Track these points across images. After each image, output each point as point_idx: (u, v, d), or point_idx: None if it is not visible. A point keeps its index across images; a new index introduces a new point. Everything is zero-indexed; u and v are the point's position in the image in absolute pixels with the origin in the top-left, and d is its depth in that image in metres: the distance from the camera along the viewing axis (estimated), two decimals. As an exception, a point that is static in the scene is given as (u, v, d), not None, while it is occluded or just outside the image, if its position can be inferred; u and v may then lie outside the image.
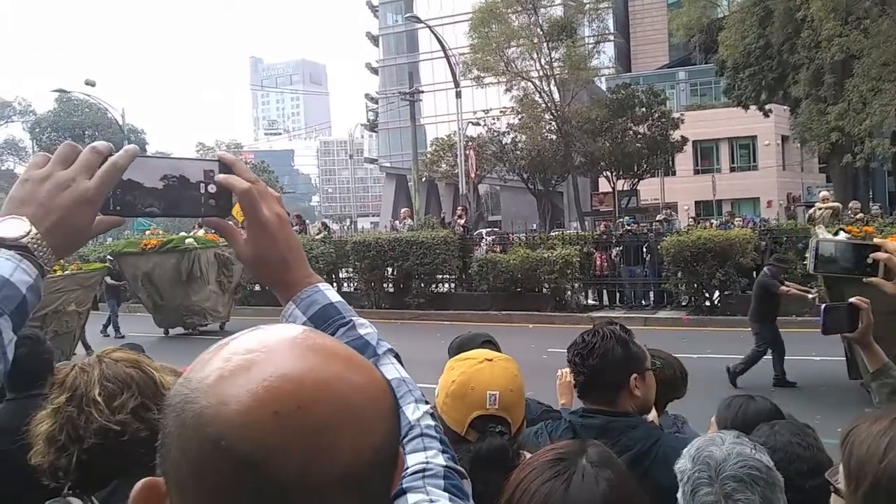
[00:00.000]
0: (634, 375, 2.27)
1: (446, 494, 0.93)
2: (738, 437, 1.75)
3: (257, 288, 17.81)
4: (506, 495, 1.43)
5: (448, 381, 1.96)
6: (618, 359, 2.26)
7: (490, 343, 2.97)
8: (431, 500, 0.91)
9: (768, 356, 9.50)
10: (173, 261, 14.96)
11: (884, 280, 1.91)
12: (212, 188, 1.04)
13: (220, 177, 1.03)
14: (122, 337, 14.59)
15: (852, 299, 2.31)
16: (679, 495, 1.72)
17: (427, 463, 0.95)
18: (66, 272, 10.96)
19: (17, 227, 0.91)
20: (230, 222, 1.08)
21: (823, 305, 2.38)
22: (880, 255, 1.90)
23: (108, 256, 15.80)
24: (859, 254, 1.98)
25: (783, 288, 9.93)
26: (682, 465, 1.73)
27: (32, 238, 0.91)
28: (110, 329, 15.36)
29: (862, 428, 1.35)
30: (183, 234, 16.20)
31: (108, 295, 15.50)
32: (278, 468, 0.57)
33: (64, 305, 10.46)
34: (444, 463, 0.97)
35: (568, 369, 2.67)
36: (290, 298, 1.06)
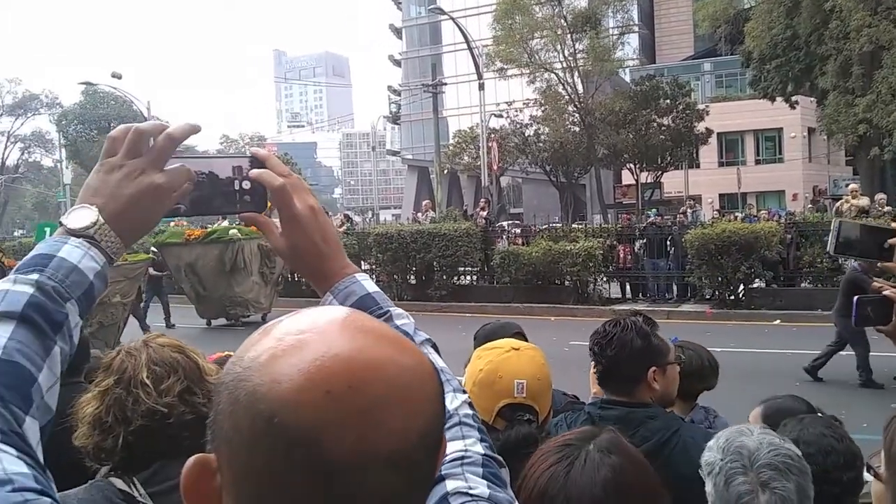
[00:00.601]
0: (653, 369, 2.25)
1: (485, 482, 0.93)
2: (765, 428, 1.75)
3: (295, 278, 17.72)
4: (518, 481, 1.43)
5: (475, 370, 1.97)
6: (636, 351, 2.24)
7: (520, 335, 2.97)
8: (470, 487, 0.91)
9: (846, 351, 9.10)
10: (217, 251, 14.89)
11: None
12: (245, 184, 1.05)
13: (254, 172, 1.04)
14: (147, 329, 14.67)
15: (886, 292, 2.28)
16: (709, 488, 1.70)
17: (466, 451, 0.96)
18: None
19: (86, 216, 0.95)
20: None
21: (856, 298, 2.35)
22: None
23: (152, 247, 15.65)
24: (878, 238, 1.94)
25: (875, 284, 9.68)
26: (711, 457, 1.72)
27: (100, 227, 0.95)
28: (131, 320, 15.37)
29: None
30: (225, 224, 16.14)
31: (147, 286, 15.47)
32: (329, 446, 0.58)
33: (109, 297, 10.36)
34: (483, 451, 0.98)
35: None
36: (329, 289, 1.07)
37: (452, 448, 0.96)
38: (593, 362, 2.34)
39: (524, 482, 1.43)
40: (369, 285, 1.09)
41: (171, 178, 0.99)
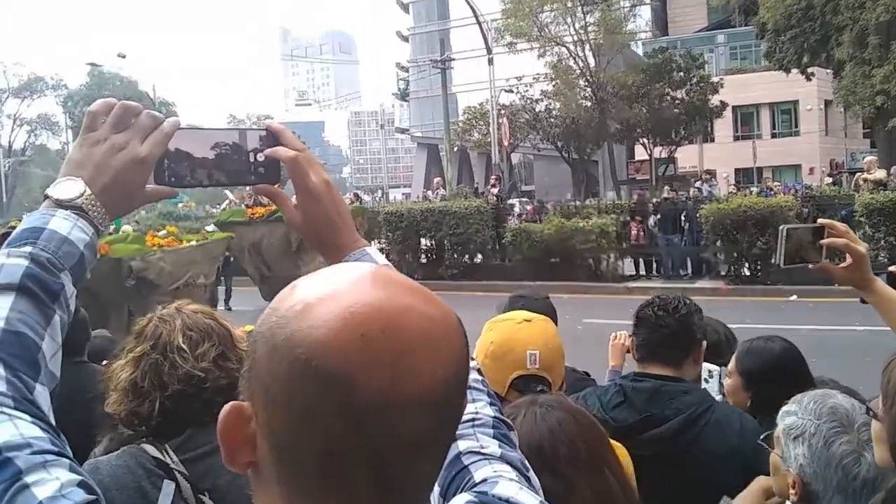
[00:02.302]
0: (704, 343, 2.28)
1: (496, 441, 0.97)
2: (844, 393, 1.76)
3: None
4: None
5: (487, 342, 1.95)
6: (696, 322, 2.28)
7: (548, 305, 2.98)
8: (482, 447, 0.95)
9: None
10: (282, 230, 13.68)
11: (831, 265, 1.83)
12: (260, 157, 1.08)
13: (268, 151, 1.07)
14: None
15: (892, 267, 2.22)
16: (803, 451, 1.65)
17: (476, 413, 1.00)
18: (194, 242, 10.62)
19: (73, 187, 0.97)
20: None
21: (782, 227, 2.31)
22: (837, 241, 1.80)
23: (211, 226, 14.76)
24: (817, 238, 1.84)
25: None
26: (797, 420, 1.68)
27: (87, 198, 0.97)
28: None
29: None
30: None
31: None
32: (363, 387, 0.62)
33: (194, 278, 10.18)
34: (493, 414, 1.02)
35: (624, 332, 2.67)
36: (340, 261, 1.09)
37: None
38: (640, 332, 2.32)
39: None
40: (379, 258, 1.12)
41: (154, 143, 1.01)
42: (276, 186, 1.11)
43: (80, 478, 0.77)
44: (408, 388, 0.63)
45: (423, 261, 17.71)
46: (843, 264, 1.80)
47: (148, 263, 9.49)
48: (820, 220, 1.88)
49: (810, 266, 1.84)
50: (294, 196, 1.11)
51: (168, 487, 1.65)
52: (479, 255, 17.73)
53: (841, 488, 1.60)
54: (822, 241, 1.81)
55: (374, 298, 0.65)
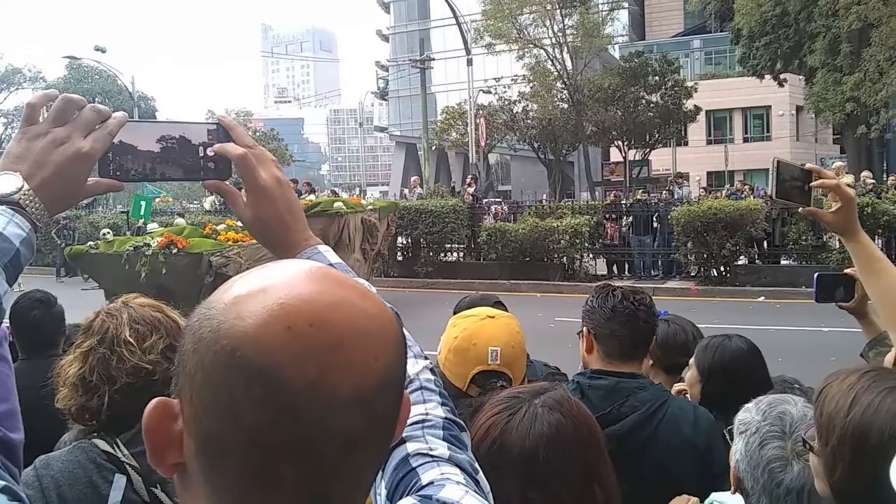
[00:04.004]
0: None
1: (445, 443, 0.95)
2: (807, 402, 1.72)
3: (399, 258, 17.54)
4: (471, 424, 1.45)
5: (451, 338, 1.96)
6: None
7: (500, 305, 2.94)
8: (430, 448, 0.93)
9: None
10: (320, 226, 12.82)
11: (819, 210, 1.81)
12: (211, 151, 1.05)
13: (216, 146, 1.05)
14: None
15: (847, 270, 2.28)
16: (738, 446, 1.69)
17: (426, 414, 0.98)
18: None
19: (9, 182, 0.93)
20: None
21: (816, 274, 2.34)
22: (828, 182, 1.77)
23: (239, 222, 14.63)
24: (805, 180, 1.81)
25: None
26: (748, 417, 1.70)
27: (24, 193, 0.93)
28: None
29: (833, 385, 1.35)
30: (328, 195, 15.10)
31: None
32: (289, 380, 0.60)
33: None
34: (444, 415, 1.00)
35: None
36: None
37: (414, 412, 0.98)
38: (611, 327, 2.22)
39: (474, 424, 1.45)
40: (331, 256, 1.10)
41: (97, 139, 0.98)
42: (225, 182, 1.08)
43: (2, 483, 0.75)
44: (337, 382, 0.61)
45: (399, 258, 17.72)
46: (831, 209, 1.76)
47: (228, 259, 9.23)
48: (808, 165, 1.84)
49: (800, 209, 1.81)
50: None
51: (119, 481, 1.65)
52: (455, 254, 17.79)
53: (766, 491, 1.61)
54: (813, 184, 1.78)
55: (305, 292, 0.64)
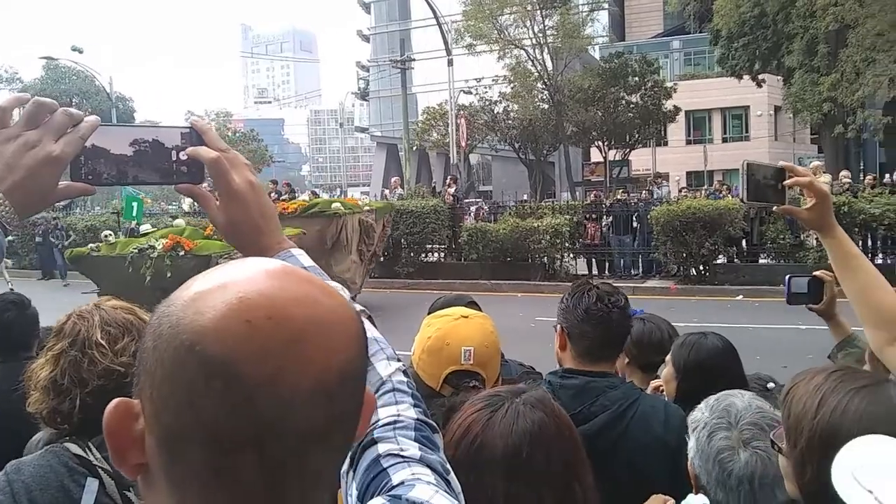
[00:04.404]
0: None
1: (416, 444, 0.96)
2: (756, 396, 1.76)
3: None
4: (450, 423, 1.47)
5: (424, 337, 1.96)
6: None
7: (474, 304, 2.94)
8: (402, 449, 0.94)
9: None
10: (318, 227, 12.70)
11: (794, 207, 1.80)
12: (183, 155, 1.05)
13: (189, 150, 1.05)
14: None
15: (816, 272, 2.31)
16: (692, 444, 1.71)
17: (398, 415, 0.99)
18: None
19: None
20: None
21: (788, 277, 2.36)
22: (801, 180, 1.75)
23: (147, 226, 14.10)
24: (780, 180, 1.79)
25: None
26: (698, 415, 1.73)
27: None
28: None
29: (800, 386, 1.35)
30: (308, 196, 14.87)
31: None
32: (247, 374, 0.60)
33: None
34: (416, 416, 1.00)
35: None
36: None
37: (386, 413, 0.99)
38: (584, 329, 2.22)
39: (452, 423, 1.46)
40: (305, 259, 1.11)
41: (68, 142, 0.97)
42: (198, 186, 1.08)
43: None
44: (296, 377, 0.61)
45: (380, 259, 17.68)
46: (806, 206, 1.76)
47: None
48: (781, 163, 1.83)
49: (774, 209, 1.80)
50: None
51: (91, 485, 1.63)
52: (436, 254, 17.77)
53: (720, 482, 1.63)
54: (787, 182, 1.77)
55: (265, 287, 0.64)
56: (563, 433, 1.47)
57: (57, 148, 0.95)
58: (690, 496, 1.76)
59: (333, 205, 13.10)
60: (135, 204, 16.19)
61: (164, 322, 0.63)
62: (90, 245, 10.54)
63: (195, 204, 14.88)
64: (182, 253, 9.07)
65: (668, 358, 2.58)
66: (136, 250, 9.25)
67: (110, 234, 14.40)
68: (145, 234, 11.02)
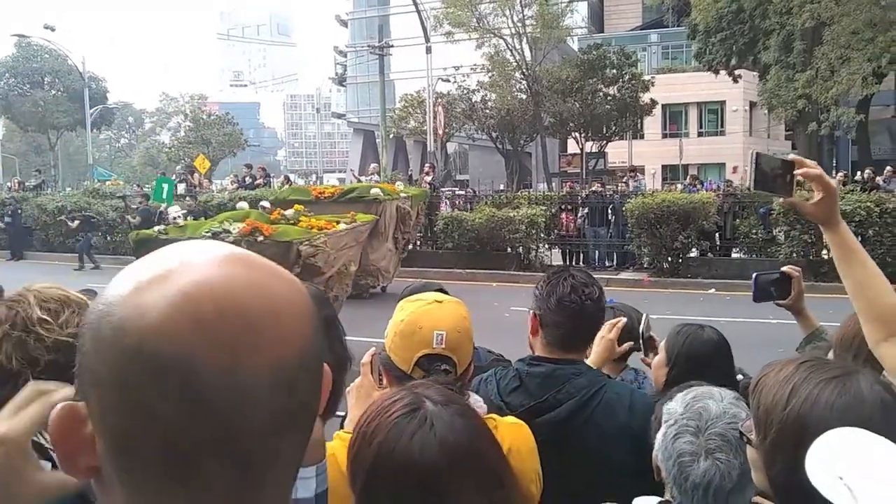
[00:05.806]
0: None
1: None
2: (738, 399, 1.72)
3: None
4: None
5: (397, 321, 1.94)
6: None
7: (443, 293, 2.92)
8: None
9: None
10: (356, 212, 11.99)
11: (800, 200, 1.79)
12: None
13: None
14: None
15: (784, 268, 2.33)
16: (659, 435, 1.71)
17: None
18: (346, 225, 9.50)
19: None
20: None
21: (754, 275, 2.39)
22: (811, 172, 1.74)
23: (263, 204, 12.77)
24: (788, 172, 1.79)
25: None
26: (673, 407, 1.71)
27: None
28: None
29: (769, 376, 1.34)
30: (282, 181, 14.20)
31: None
32: (201, 370, 0.57)
33: (346, 265, 9.15)
34: None
35: (623, 320, 2.64)
36: None
37: None
38: (556, 318, 2.19)
39: (358, 426, 1.34)
40: None
41: (16, 427, 0.82)
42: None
43: None
44: (252, 367, 0.59)
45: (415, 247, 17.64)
46: (813, 199, 1.74)
47: (318, 248, 8.49)
48: (791, 156, 1.83)
49: (780, 200, 1.82)
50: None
51: (45, 468, 1.58)
52: (411, 242, 17.76)
53: (677, 483, 1.63)
54: (797, 172, 1.76)
55: (209, 276, 0.60)
56: (485, 438, 1.34)
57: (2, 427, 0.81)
58: (636, 500, 1.76)
59: (372, 190, 12.51)
60: (165, 185, 15.76)
61: (105, 324, 0.59)
62: (156, 228, 9.87)
63: (193, 188, 14.28)
64: (261, 238, 8.38)
65: (661, 345, 2.59)
66: (210, 233, 8.56)
67: (180, 216, 13.48)
68: (212, 219, 10.14)
